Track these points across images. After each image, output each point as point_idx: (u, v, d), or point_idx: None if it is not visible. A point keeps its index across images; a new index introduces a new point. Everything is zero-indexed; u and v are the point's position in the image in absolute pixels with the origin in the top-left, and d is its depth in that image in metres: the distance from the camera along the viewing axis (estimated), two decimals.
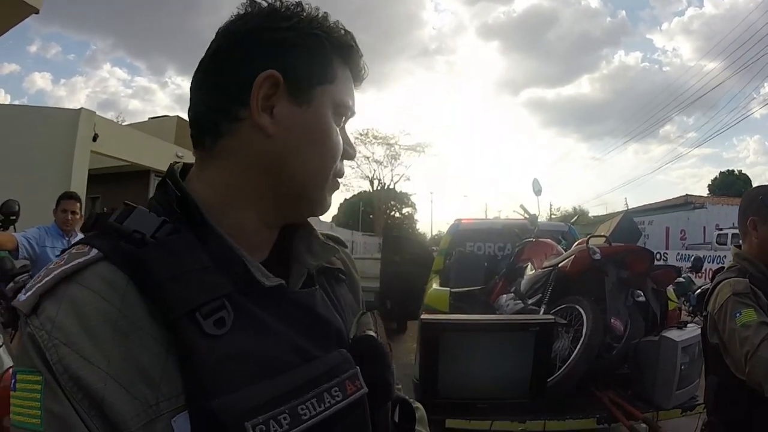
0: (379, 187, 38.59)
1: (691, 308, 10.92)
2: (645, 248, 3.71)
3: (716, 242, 20.55)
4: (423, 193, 64.42)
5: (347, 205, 44.72)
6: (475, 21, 74.19)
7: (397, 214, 46.44)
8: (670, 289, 4.05)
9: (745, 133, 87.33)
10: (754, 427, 1.54)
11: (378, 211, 38.54)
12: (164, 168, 0.68)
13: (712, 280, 1.80)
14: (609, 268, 3.34)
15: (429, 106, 71.60)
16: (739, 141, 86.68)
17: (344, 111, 0.68)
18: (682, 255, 17.41)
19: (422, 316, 3.14)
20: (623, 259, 3.39)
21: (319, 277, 0.70)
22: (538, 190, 4.90)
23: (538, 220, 5.21)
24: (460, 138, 76.29)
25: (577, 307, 3.32)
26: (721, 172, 58.73)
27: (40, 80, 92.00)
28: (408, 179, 39.94)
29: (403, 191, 44.28)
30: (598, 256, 3.32)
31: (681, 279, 11.51)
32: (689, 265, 12.99)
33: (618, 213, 31.21)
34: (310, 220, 0.73)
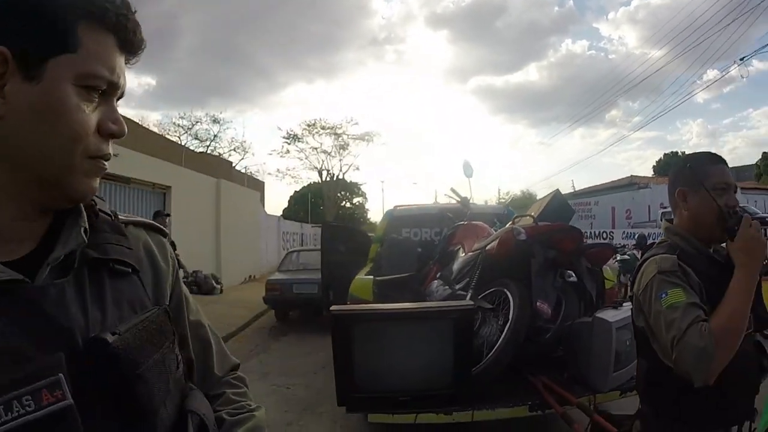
0: (328, 178, 38.04)
1: None
2: (573, 227, 3.48)
3: (660, 220, 20.93)
4: (374, 182, 64.30)
5: (297, 197, 44.12)
6: (425, 10, 74.19)
7: (348, 204, 46.09)
8: (607, 268, 3.92)
9: (688, 117, 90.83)
10: (683, 415, 1.38)
11: (328, 201, 38.07)
12: None
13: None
14: (536, 249, 3.13)
15: (379, 95, 72.06)
16: (682, 124, 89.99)
17: (96, 82, 0.60)
18: (627, 233, 17.86)
19: (332, 307, 2.85)
20: (550, 238, 3.19)
21: (81, 269, 0.62)
22: (469, 173, 4.69)
23: (476, 203, 5.03)
24: (410, 126, 76.90)
25: (505, 290, 3.13)
26: (665, 154, 60.98)
27: None
28: (357, 169, 39.58)
29: (354, 181, 43.97)
30: (523, 237, 3.11)
31: (626, 256, 11.70)
32: (634, 242, 13.29)
33: (565, 195, 31.90)
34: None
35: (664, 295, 1.32)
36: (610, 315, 2.95)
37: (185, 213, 12.21)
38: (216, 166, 26.03)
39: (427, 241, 5.56)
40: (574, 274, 3.29)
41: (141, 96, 56.18)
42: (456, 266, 3.87)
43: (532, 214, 3.71)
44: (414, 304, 3.29)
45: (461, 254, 3.99)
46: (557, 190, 4.07)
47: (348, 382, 2.66)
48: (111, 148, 0.64)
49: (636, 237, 13.61)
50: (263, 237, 21.01)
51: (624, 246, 13.45)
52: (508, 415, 2.89)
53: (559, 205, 3.91)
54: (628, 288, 1.46)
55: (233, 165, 32.64)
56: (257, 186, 30.28)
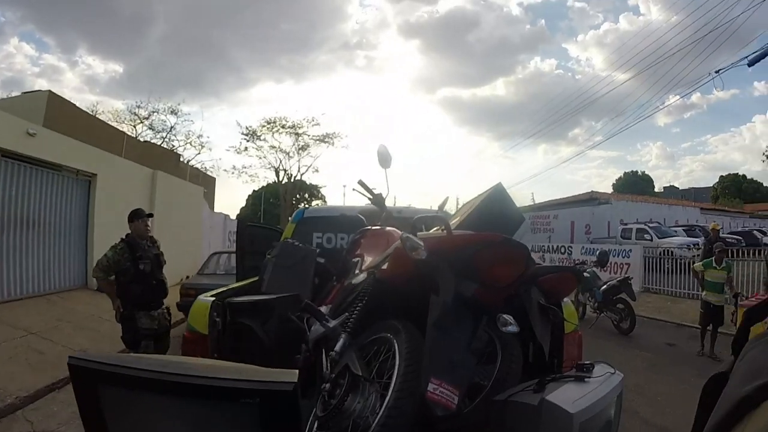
0: (285, 179, 36.39)
1: (596, 304, 10.12)
2: (513, 241, 2.06)
3: (621, 236, 20.57)
4: (336, 186, 62.97)
5: (256, 197, 42.33)
6: (399, 18, 73.79)
7: (307, 206, 44.74)
8: (568, 301, 2.64)
9: (648, 139, 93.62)
10: None
11: (284, 203, 36.38)
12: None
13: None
14: (442, 277, 1.85)
15: (346, 100, 71.28)
16: (642, 146, 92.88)
17: None
18: (587, 249, 17.06)
19: (70, 355, 1.44)
20: (472, 259, 1.88)
21: None
22: (385, 163, 3.14)
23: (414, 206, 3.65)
24: (375, 133, 76.27)
25: (393, 339, 1.84)
26: (625, 173, 62.02)
27: None
28: (317, 171, 38.12)
29: (314, 183, 42.71)
30: (422, 255, 1.84)
31: (586, 274, 10.63)
32: (594, 259, 12.30)
33: (525, 207, 30.79)
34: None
35: None
36: (569, 396, 1.65)
37: (113, 205, 10.77)
38: (163, 158, 24.33)
39: (337, 249, 4.19)
40: (512, 321, 1.94)
41: (107, 82, 53.14)
42: (343, 291, 2.60)
43: (457, 219, 2.42)
44: (206, 362, 1.90)
45: (356, 272, 2.66)
46: (499, 183, 2.64)
47: None
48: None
49: (597, 253, 12.56)
50: (206, 236, 19.39)
51: (584, 262, 12.41)
52: None
53: (500, 207, 2.51)
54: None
55: (183, 159, 30.86)
56: (207, 182, 28.55)
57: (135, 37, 49.82)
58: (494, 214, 2.42)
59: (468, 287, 1.83)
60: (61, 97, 19.60)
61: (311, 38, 63.58)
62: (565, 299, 2.59)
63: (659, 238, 18.72)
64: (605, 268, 12.09)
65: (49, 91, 18.92)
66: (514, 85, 75.25)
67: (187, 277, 12.98)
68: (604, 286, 9.74)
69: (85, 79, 58.12)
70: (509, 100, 75.65)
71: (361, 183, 3.27)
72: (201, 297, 2.90)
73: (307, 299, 2.66)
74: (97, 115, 27.36)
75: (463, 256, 1.83)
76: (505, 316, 1.90)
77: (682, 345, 8.49)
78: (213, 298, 2.84)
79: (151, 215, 5.32)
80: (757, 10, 15.58)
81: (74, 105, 21.14)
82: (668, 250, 14.86)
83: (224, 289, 3.27)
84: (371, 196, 3.19)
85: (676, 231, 20.86)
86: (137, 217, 5.09)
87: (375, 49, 71.15)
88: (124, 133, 25.13)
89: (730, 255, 10.13)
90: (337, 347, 1.96)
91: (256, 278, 3.76)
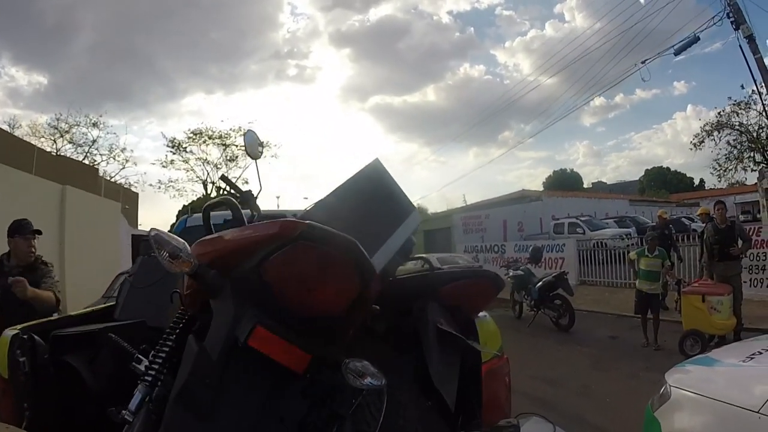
0: (213, 192, 34.75)
1: (532, 302, 9.71)
2: (325, 234, 1.22)
3: (553, 231, 20.72)
4: (269, 197, 61.38)
5: (183, 213, 40.36)
6: (330, 27, 72.75)
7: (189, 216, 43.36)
8: (487, 316, 2.00)
9: (575, 139, 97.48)
10: None
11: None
12: None
13: None
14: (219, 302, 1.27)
15: (277, 110, 69.94)
16: (570, 146, 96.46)
17: None
18: (520, 246, 16.93)
19: None
20: (256, 270, 1.23)
21: None
22: (252, 150, 2.37)
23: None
24: (307, 142, 75.42)
25: None
26: (554, 171, 64.19)
27: None
28: (246, 182, 36.74)
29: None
30: (187, 268, 1.30)
31: (519, 272, 10.25)
32: (527, 255, 12.00)
33: (457, 209, 30.66)
34: None
35: None
36: None
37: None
38: (79, 173, 22.59)
39: None
40: (369, 369, 1.25)
41: (31, 96, 48.85)
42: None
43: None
44: None
45: None
46: (376, 159, 1.91)
47: None
48: None
49: (530, 250, 12.27)
50: (125, 255, 17.92)
51: (517, 260, 12.06)
52: None
53: (379, 187, 1.80)
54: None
55: (106, 174, 28.91)
56: (129, 198, 26.84)
57: (60, 45, 46.33)
58: (369, 195, 1.70)
59: (247, 324, 1.11)
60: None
61: (242, 47, 61.87)
62: (483, 314, 1.95)
63: (591, 230, 18.91)
64: (539, 264, 11.79)
65: None
66: (445, 91, 76.34)
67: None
68: (540, 283, 9.35)
69: (7, 91, 53.37)
70: (440, 105, 76.74)
71: (223, 178, 2.57)
72: (7, 330, 2.15)
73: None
74: (14, 130, 25.29)
75: (244, 269, 1.12)
76: (356, 362, 1.21)
77: (624, 336, 8.17)
78: (16, 331, 2.10)
79: (38, 232, 4.08)
80: (674, 15, 16.25)
81: None
82: (601, 242, 14.83)
83: (55, 317, 2.51)
84: (238, 194, 2.44)
85: (607, 223, 21.28)
86: (17, 232, 3.85)
87: (306, 59, 70.50)
88: (34, 146, 23.29)
89: (675, 240, 10.15)
90: (131, 404, 1.35)
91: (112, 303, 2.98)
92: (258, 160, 2.35)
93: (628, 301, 8.50)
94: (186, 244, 1.27)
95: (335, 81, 78.63)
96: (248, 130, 2.41)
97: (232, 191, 2.44)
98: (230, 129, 33.62)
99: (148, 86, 55.52)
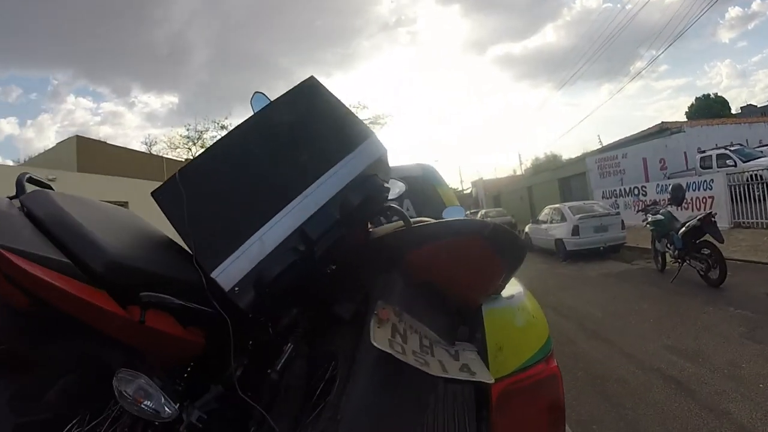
0: None
1: (676, 252, 8.21)
2: None
3: (700, 167, 17.68)
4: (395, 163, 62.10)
5: None
6: None
7: None
8: (518, 301, 1.23)
9: (715, 59, 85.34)
10: None
11: None
12: None
13: None
14: None
15: (398, 78, 70.53)
16: (710, 68, 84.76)
17: None
18: (663, 186, 14.88)
19: None
20: None
21: None
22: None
23: None
24: (432, 106, 75.38)
25: None
26: (696, 98, 56.82)
27: (7, 126, 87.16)
28: None
29: None
30: None
31: (659, 216, 8.75)
32: (668, 196, 10.18)
33: (591, 152, 28.17)
34: None
35: None
36: None
37: None
38: None
39: None
40: None
41: (166, 115, 55.02)
42: None
43: None
44: None
45: None
46: (311, 76, 1.42)
47: None
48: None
49: (670, 189, 10.36)
50: None
51: (655, 202, 10.19)
52: None
53: (306, 109, 1.48)
54: None
55: None
56: None
57: (180, 67, 51.20)
58: (294, 122, 1.43)
59: None
60: (89, 139, 20.49)
61: (349, 28, 63.26)
62: (514, 291, 1.32)
63: (744, 161, 15.78)
64: (684, 206, 10.00)
65: (77, 135, 19.54)
66: (563, 29, 72.05)
67: None
68: (683, 229, 7.80)
69: (144, 116, 60.61)
70: (561, 45, 72.87)
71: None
72: None
73: None
74: (151, 147, 28.05)
75: None
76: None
77: None
78: None
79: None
80: None
81: (104, 143, 22.25)
82: (757, 175, 12.29)
83: None
84: None
85: (762, 151, 17.72)
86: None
87: (414, 23, 70.48)
88: (162, 157, 25.67)
89: None
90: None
91: None
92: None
93: None
94: None
95: (449, 39, 77.22)
96: (256, 92, 2.10)
97: None
98: (349, 105, 33.94)
99: (269, 83, 58.91)
